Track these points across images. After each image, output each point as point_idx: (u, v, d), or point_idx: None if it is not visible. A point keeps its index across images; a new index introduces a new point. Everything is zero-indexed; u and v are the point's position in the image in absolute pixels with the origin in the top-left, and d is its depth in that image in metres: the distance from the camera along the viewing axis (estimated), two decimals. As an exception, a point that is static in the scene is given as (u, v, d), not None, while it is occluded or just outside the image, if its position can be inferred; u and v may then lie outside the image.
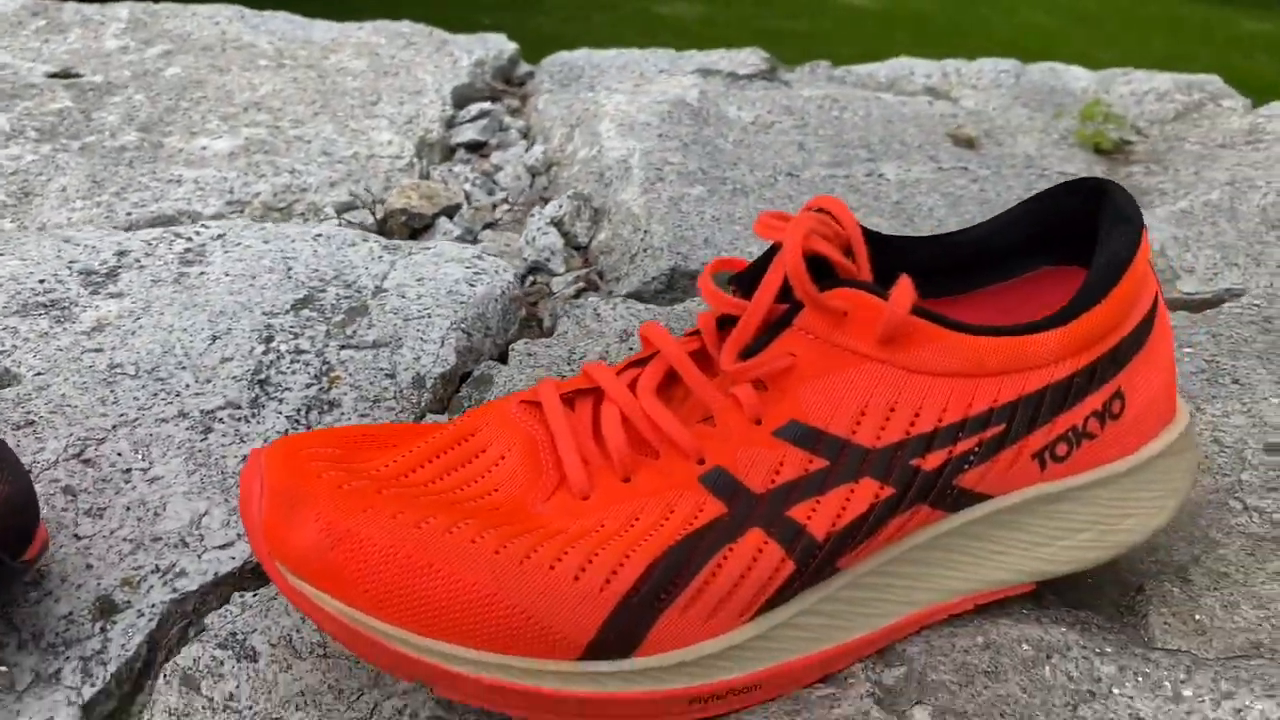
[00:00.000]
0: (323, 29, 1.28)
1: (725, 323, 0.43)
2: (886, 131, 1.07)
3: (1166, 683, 0.43)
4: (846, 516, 0.39)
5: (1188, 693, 0.43)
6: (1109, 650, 0.44)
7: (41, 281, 0.69)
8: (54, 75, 1.15)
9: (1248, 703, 0.42)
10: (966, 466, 0.40)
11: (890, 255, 0.45)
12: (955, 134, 1.09)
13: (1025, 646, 0.43)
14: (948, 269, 0.47)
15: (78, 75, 1.15)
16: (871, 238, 0.45)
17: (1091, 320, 0.41)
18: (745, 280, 0.43)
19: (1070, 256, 0.46)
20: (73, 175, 0.93)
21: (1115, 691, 0.42)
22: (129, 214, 0.86)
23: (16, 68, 1.17)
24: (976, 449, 0.40)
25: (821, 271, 0.42)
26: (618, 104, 1.06)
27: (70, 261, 0.72)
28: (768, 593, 0.39)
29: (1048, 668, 0.43)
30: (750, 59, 1.22)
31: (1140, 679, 0.43)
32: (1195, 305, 0.77)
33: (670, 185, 0.91)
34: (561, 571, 0.37)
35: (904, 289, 0.39)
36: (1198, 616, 0.47)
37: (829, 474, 0.39)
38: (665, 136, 0.99)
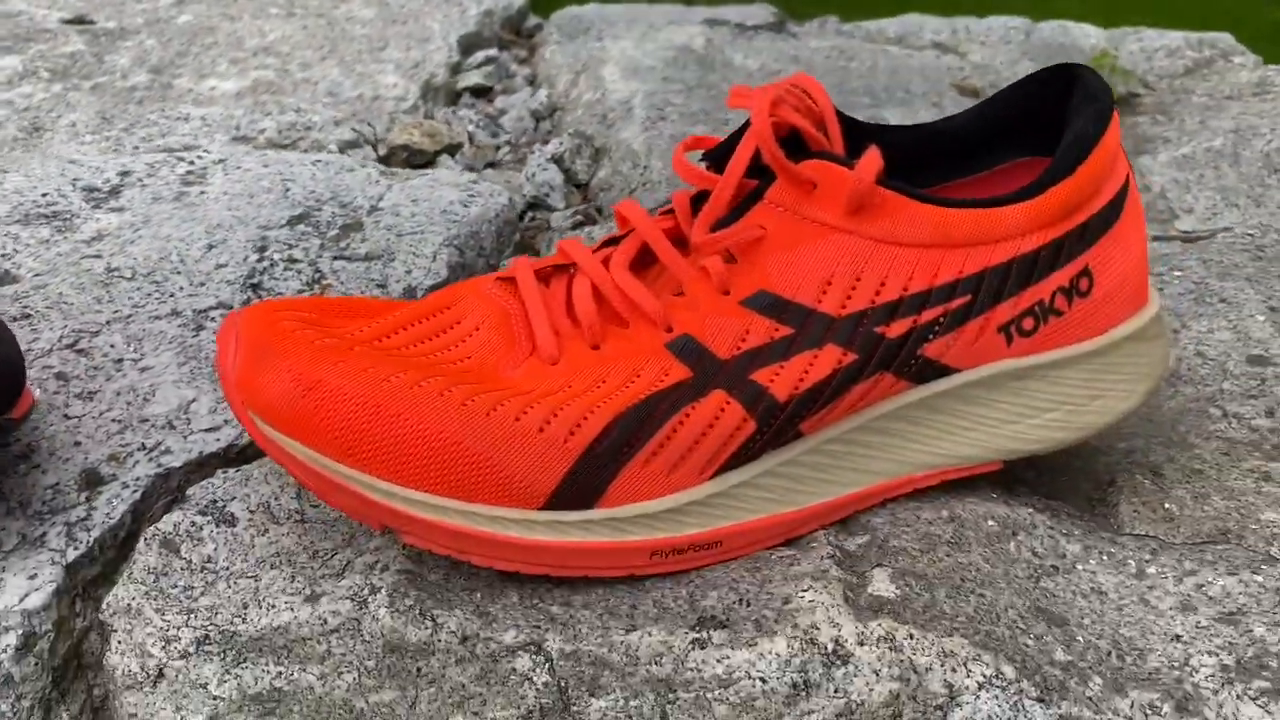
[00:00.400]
0: (335, -21, 1.28)
1: (699, 200, 0.44)
2: (891, 81, 1.07)
3: (1131, 561, 0.43)
4: (809, 380, 0.40)
5: (1151, 570, 0.43)
6: (1076, 532, 0.45)
7: (45, 195, 0.70)
8: (68, 21, 1.17)
9: (1210, 579, 0.42)
10: (931, 336, 0.41)
11: (866, 142, 0.46)
12: (960, 85, 1.09)
13: (991, 523, 0.43)
14: (925, 158, 0.47)
15: (91, 21, 1.16)
16: (848, 123, 0.45)
17: (1058, 195, 0.42)
18: (718, 155, 0.43)
19: (1047, 148, 0.47)
20: (83, 112, 0.94)
21: (1079, 567, 0.43)
22: (135, 147, 0.87)
23: (32, 14, 1.19)
24: (942, 319, 0.41)
25: (794, 147, 0.42)
26: (623, 49, 1.06)
27: (74, 179, 0.73)
28: (729, 450, 0.39)
29: (1013, 543, 0.43)
30: (759, 12, 1.23)
31: (1105, 557, 0.43)
32: (1189, 240, 0.77)
33: (672, 124, 0.91)
34: (527, 423, 0.38)
35: (871, 159, 0.40)
36: (1167, 505, 0.47)
37: (793, 341, 0.40)
38: (669, 80, 1.00)
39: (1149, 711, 0.37)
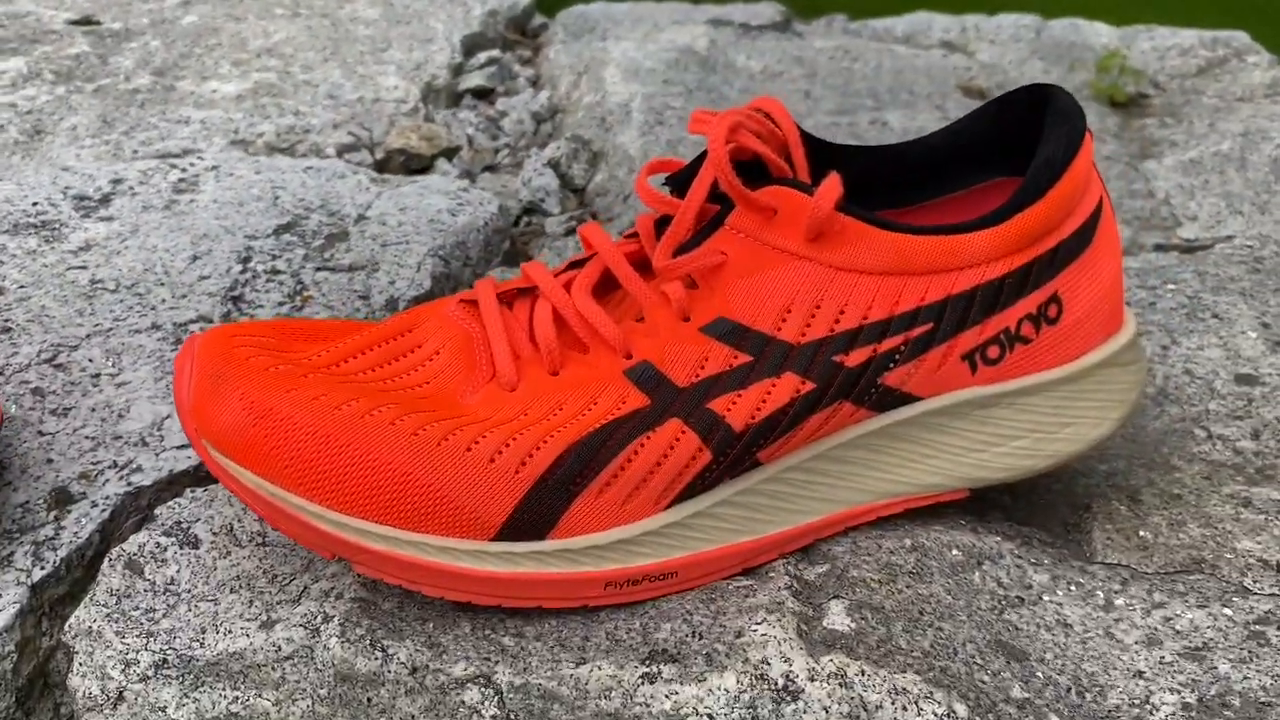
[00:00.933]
0: (340, -21, 1.28)
1: (662, 224, 0.43)
2: (896, 82, 1.06)
3: (1099, 593, 0.43)
4: (766, 409, 0.39)
5: (1119, 601, 0.42)
6: (1045, 561, 0.44)
7: (35, 204, 0.71)
8: (74, 22, 1.17)
9: (1179, 612, 0.42)
10: (891, 365, 0.40)
11: (837, 164, 0.45)
12: (966, 86, 1.08)
13: (956, 552, 0.43)
14: (900, 179, 0.47)
15: (97, 22, 1.17)
16: (818, 145, 0.44)
17: (1026, 221, 0.41)
18: (680, 180, 0.43)
19: (1021, 168, 0.46)
20: (84, 115, 0.95)
21: (1045, 599, 0.42)
22: (135, 151, 0.87)
23: (39, 14, 1.19)
24: (903, 347, 0.40)
25: (757, 173, 0.42)
26: (625, 50, 1.06)
27: (65, 187, 0.74)
28: (684, 481, 0.39)
29: (977, 573, 0.42)
30: (765, 11, 1.22)
31: (1073, 588, 0.43)
32: (1193, 250, 0.76)
33: (670, 129, 0.91)
34: (478, 454, 0.38)
35: (830, 185, 0.39)
36: (1142, 533, 0.46)
37: (752, 369, 0.39)
38: (670, 82, 0.99)
39: (1105, 751, 0.36)
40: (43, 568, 0.45)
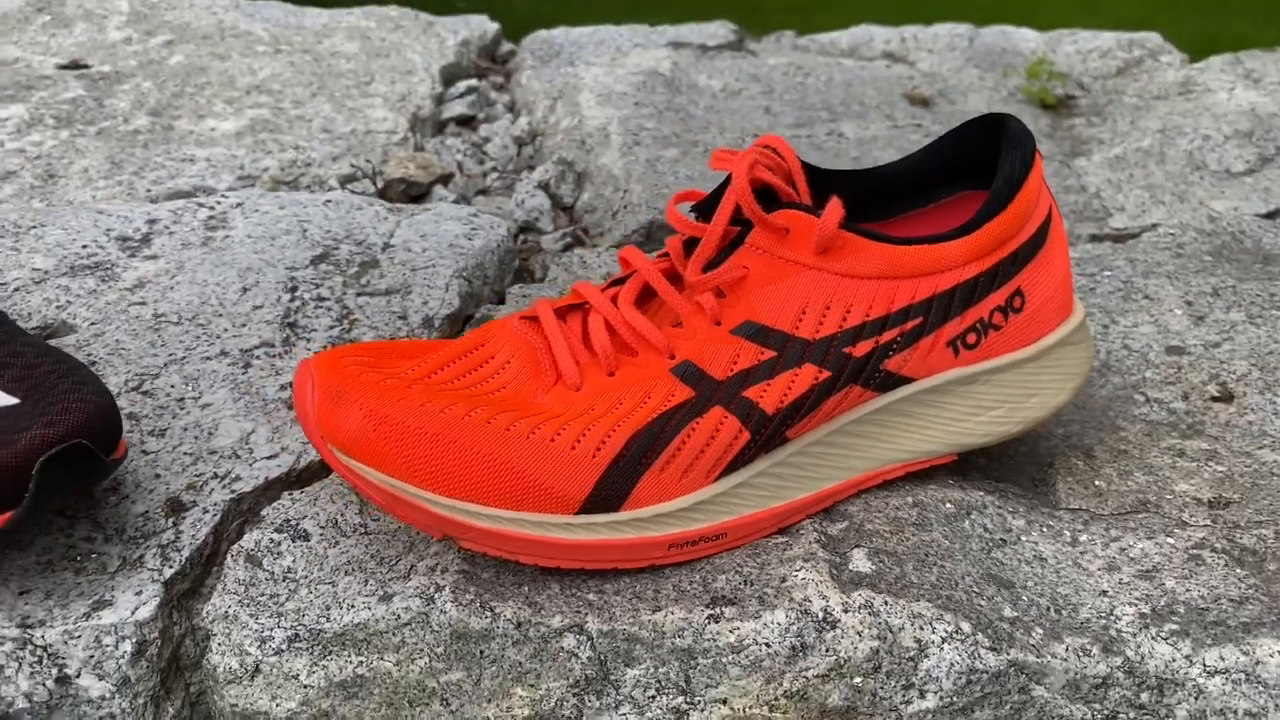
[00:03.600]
0: (314, 15, 1.35)
1: (690, 245, 0.51)
2: (847, 94, 1.15)
3: (1067, 532, 0.52)
4: (792, 395, 0.48)
5: (1083, 538, 0.51)
6: (1020, 510, 0.53)
7: (84, 247, 0.77)
8: (64, 66, 1.22)
9: (1131, 543, 0.51)
10: (891, 353, 0.49)
11: (827, 186, 0.54)
12: (911, 94, 1.18)
13: (949, 505, 0.52)
14: (879, 197, 0.55)
15: (86, 66, 1.22)
16: (810, 171, 0.53)
17: (992, 230, 0.50)
18: (705, 208, 0.51)
19: (980, 183, 0.55)
20: (93, 157, 1.01)
21: (1023, 539, 0.51)
22: (149, 190, 0.93)
23: (29, 60, 1.25)
24: (899, 338, 0.49)
25: (768, 198, 0.50)
26: (596, 76, 1.14)
27: (107, 229, 0.80)
28: (729, 457, 0.47)
29: (967, 522, 0.51)
30: (719, 31, 1.30)
31: (1045, 529, 0.52)
32: (1123, 239, 0.86)
33: (646, 149, 0.99)
34: (561, 443, 0.46)
35: (834, 208, 0.48)
36: (1097, 483, 0.56)
37: (777, 362, 0.48)
38: (641, 105, 1.07)
39: (1081, 654, 0.45)
40: (170, 566, 0.52)
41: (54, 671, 0.48)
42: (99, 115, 1.10)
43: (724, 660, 0.44)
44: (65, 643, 0.48)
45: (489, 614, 0.46)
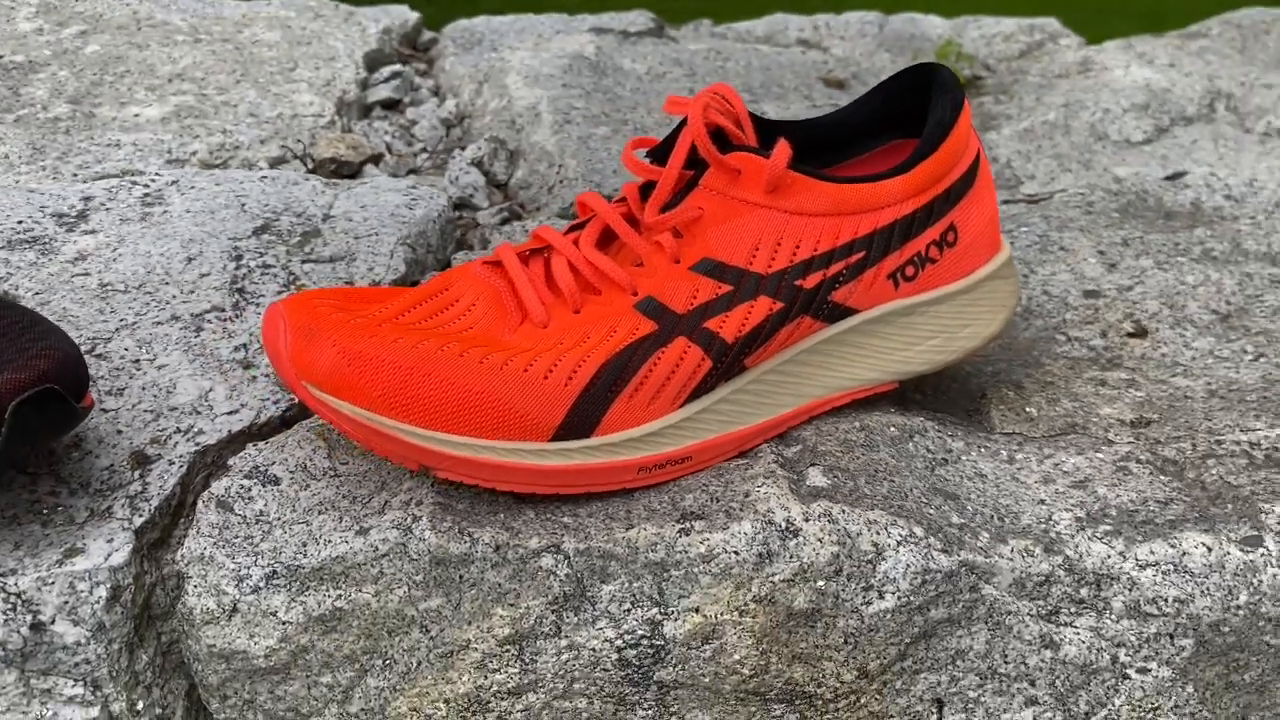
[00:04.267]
0: (232, 6, 1.34)
1: (646, 190, 0.54)
2: (766, 77, 1.19)
3: (1003, 451, 0.55)
4: (749, 325, 0.50)
5: (1019, 456, 0.55)
6: (959, 434, 0.57)
7: (20, 223, 0.76)
8: (-24, 57, 1.20)
9: (1064, 459, 0.55)
10: (838, 285, 0.52)
11: (771, 135, 0.56)
12: (827, 78, 1.22)
13: (892, 429, 0.55)
14: (814, 148, 0.58)
15: None
16: (757, 121, 0.56)
17: (926, 169, 0.53)
18: (659, 153, 0.53)
19: (907, 133, 0.58)
20: (13, 144, 0.99)
21: (963, 458, 0.54)
22: (75, 174, 0.92)
23: (-62, 51, 1.22)
24: (844, 271, 0.52)
25: (719, 142, 0.53)
26: (522, 59, 1.15)
27: (41, 206, 0.79)
28: (693, 384, 0.50)
29: (911, 444, 0.54)
30: (639, 19, 1.33)
31: (983, 450, 0.55)
32: (1032, 202, 0.91)
33: (578, 127, 1.01)
34: (534, 373, 0.47)
35: (782, 149, 0.51)
36: (1028, 409, 0.59)
37: (734, 295, 0.50)
38: (569, 86, 1.10)
39: (1025, 554, 0.48)
40: (140, 515, 0.52)
41: (28, 619, 0.48)
42: (15, 104, 1.08)
43: (695, 570, 0.47)
44: (39, 589, 0.49)
45: (467, 539, 0.47)
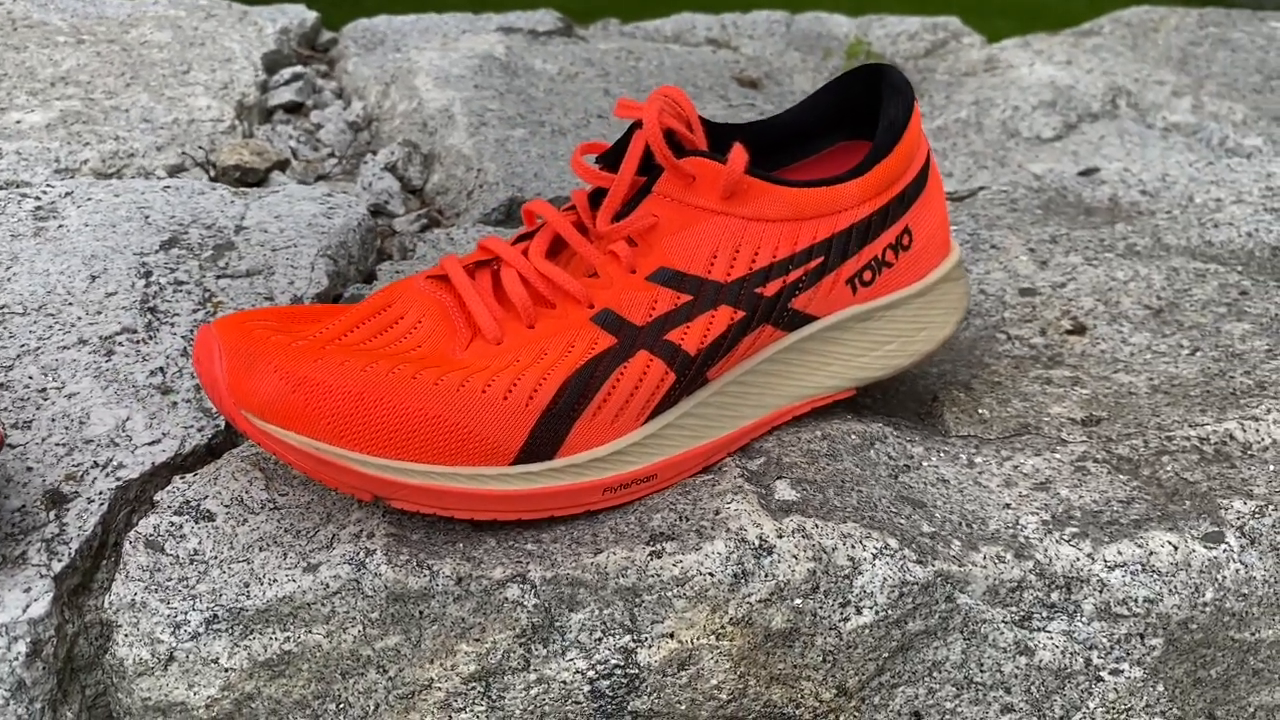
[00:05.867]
0: (115, 5, 1.27)
1: (596, 196, 0.51)
2: (679, 77, 1.18)
3: (962, 455, 0.55)
4: (711, 335, 0.48)
5: (978, 460, 0.54)
6: (917, 439, 0.56)
7: (-101, 241, 0.70)
8: None
9: (1023, 461, 0.54)
10: (798, 291, 0.51)
11: (721, 138, 0.55)
12: (739, 77, 1.21)
13: (853, 437, 0.54)
14: (769, 148, 0.57)
15: None
16: (706, 125, 0.54)
17: (881, 171, 0.52)
18: (609, 158, 0.51)
19: (862, 132, 0.57)
20: (-118, 154, 0.92)
21: (925, 464, 0.54)
22: (-46, 186, 0.86)
23: None
24: (804, 277, 0.51)
25: (670, 147, 0.51)
26: (430, 60, 1.12)
27: (-79, 223, 0.73)
28: (656, 399, 0.48)
29: (872, 451, 0.53)
30: (546, 18, 1.30)
31: (942, 454, 0.55)
32: (956, 200, 0.91)
33: (494, 129, 0.98)
34: (492, 394, 0.45)
35: (738, 154, 0.49)
36: (980, 411, 0.59)
37: (694, 305, 0.49)
38: (481, 87, 1.06)
39: (997, 560, 0.48)
40: (59, 560, 0.48)
41: (-61, 681, 0.44)
42: (-119, 110, 1.00)
43: (669, 594, 0.45)
44: (-50, 648, 0.44)
45: (427, 572, 0.45)
